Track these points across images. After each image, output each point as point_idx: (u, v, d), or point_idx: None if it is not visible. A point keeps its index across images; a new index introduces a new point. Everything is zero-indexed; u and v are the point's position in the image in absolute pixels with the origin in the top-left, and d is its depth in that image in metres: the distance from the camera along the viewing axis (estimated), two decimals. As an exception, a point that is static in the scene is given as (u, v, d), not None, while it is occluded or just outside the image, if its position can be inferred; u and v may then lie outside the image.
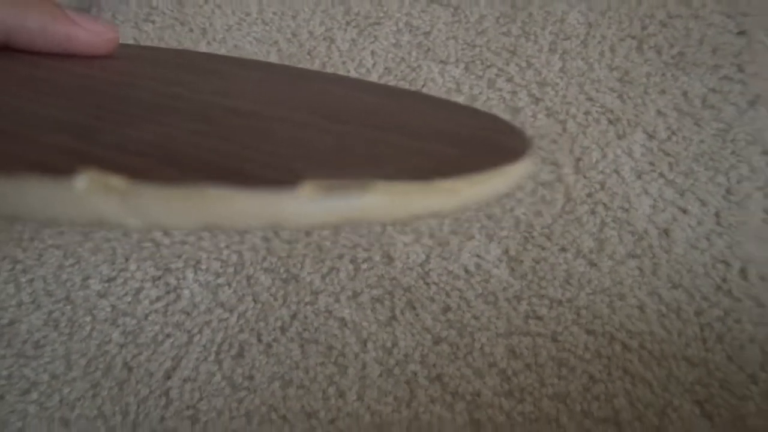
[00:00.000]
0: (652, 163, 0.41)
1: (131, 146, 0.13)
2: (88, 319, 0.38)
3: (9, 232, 0.41)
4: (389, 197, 0.13)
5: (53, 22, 0.21)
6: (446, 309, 0.37)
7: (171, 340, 0.37)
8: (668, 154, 0.41)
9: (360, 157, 0.15)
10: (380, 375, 0.36)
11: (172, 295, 0.38)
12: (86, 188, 0.11)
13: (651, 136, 0.42)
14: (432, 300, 0.37)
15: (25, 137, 0.13)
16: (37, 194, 0.10)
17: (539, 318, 0.36)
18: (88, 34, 0.22)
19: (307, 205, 0.12)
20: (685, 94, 0.43)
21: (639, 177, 0.40)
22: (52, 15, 0.21)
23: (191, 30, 0.49)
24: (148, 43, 0.49)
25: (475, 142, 0.19)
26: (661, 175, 0.40)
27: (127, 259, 0.40)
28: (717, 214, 0.39)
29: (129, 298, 0.38)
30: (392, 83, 0.45)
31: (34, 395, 0.36)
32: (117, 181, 0.11)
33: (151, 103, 0.18)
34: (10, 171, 0.10)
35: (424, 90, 0.45)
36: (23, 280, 0.39)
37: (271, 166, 0.13)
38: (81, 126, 0.15)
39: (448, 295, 0.37)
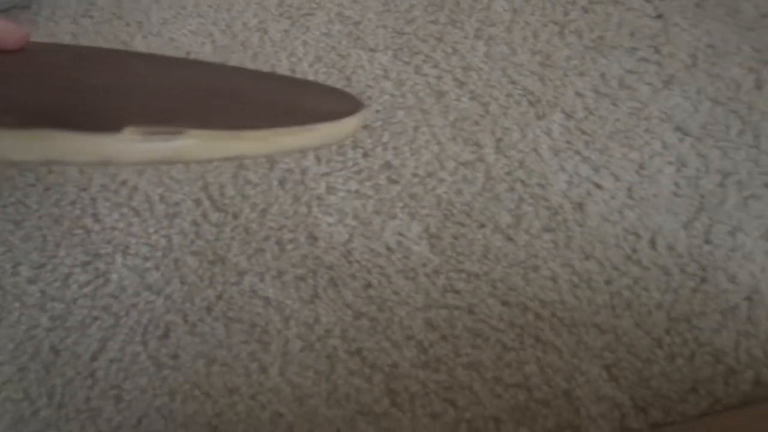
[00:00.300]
0: (569, 142, 0.42)
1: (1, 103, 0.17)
2: (17, 305, 0.38)
3: (-61, 222, 0.41)
4: (200, 141, 0.17)
5: None
6: (367, 285, 0.38)
7: (98, 323, 0.38)
8: (585, 133, 0.42)
9: (183, 113, 0.19)
10: (301, 350, 0.36)
11: (101, 280, 0.39)
12: None
13: (569, 116, 0.43)
14: (354, 277, 0.38)
15: None
16: None
17: (456, 291, 0.38)
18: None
19: (129, 145, 0.15)
20: (603, 75, 0.44)
21: (556, 155, 0.41)
22: None
23: (128, 24, 0.50)
24: (86, 38, 0.49)
25: (295, 105, 0.24)
26: (578, 152, 0.41)
27: (57, 246, 0.40)
28: (629, 189, 0.40)
29: (58, 284, 0.39)
30: (322, 71, 0.46)
31: (-40, 379, 0.36)
32: None
33: (27, 80, 0.21)
34: None
35: (353, 77, 0.46)
36: (-48, 268, 0.40)
37: (103, 117, 0.17)
38: None
39: (369, 272, 0.38)
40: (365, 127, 0.44)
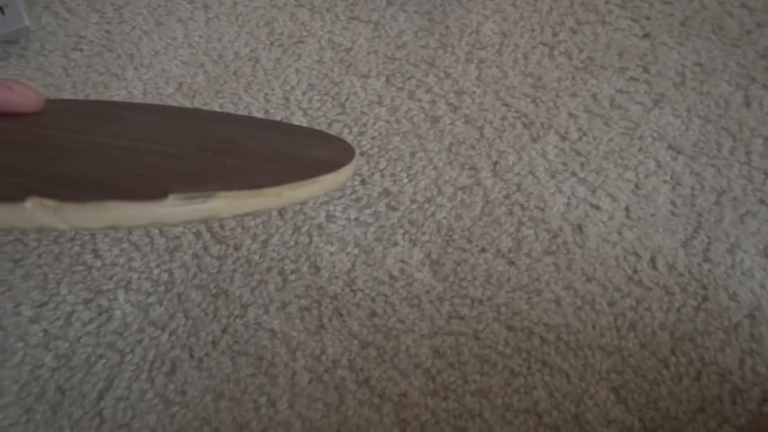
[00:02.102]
0: (564, 163, 0.42)
1: (55, 180, 0.20)
2: (20, 345, 0.38)
3: (-64, 264, 0.41)
4: (228, 201, 0.20)
5: (3, 92, 0.27)
6: (372, 314, 0.38)
7: (103, 361, 0.38)
8: (580, 154, 0.43)
9: (211, 176, 0.22)
10: (310, 382, 0.37)
11: (104, 317, 0.39)
12: (32, 208, 0.17)
13: (563, 138, 0.43)
14: (358, 306, 0.39)
15: None
16: (2, 213, 0.17)
17: (461, 317, 0.38)
18: (20, 98, 0.28)
19: (172, 209, 0.19)
20: (594, 96, 0.45)
21: (553, 177, 0.42)
22: None
23: (119, 56, 0.50)
24: (78, 71, 0.49)
25: (298, 157, 0.28)
26: (574, 174, 0.42)
27: (58, 284, 0.40)
28: (627, 208, 0.41)
29: (61, 322, 0.39)
30: (316, 98, 0.47)
31: (-35, 424, 0.36)
32: (50, 203, 0.17)
33: (66, 148, 0.24)
34: None
35: (347, 104, 0.46)
36: (-48, 311, 0.39)
37: (148, 185, 0.20)
38: (22, 168, 0.21)
39: (373, 300, 0.39)
40: (362, 153, 0.44)
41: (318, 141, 0.32)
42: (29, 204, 0.17)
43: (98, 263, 0.41)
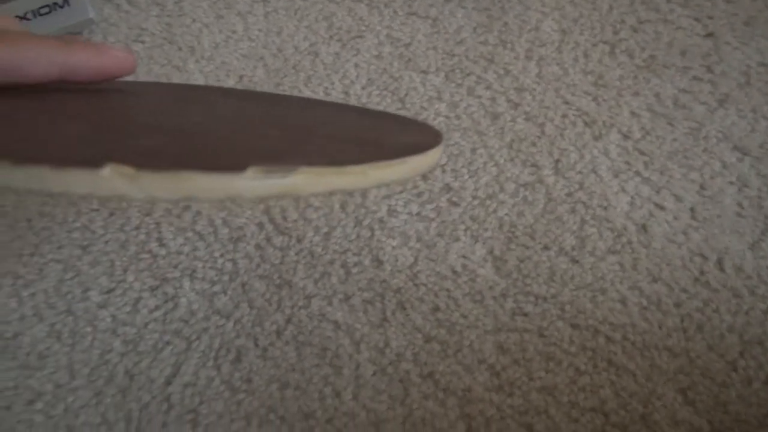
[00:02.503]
0: (628, 162, 0.42)
1: (138, 150, 0.19)
2: (89, 329, 0.39)
3: (9, 248, 0.42)
4: (310, 177, 0.19)
5: (94, 54, 0.27)
6: (435, 309, 0.38)
7: (170, 348, 0.38)
8: (643, 153, 0.42)
9: (294, 152, 0.21)
10: (374, 374, 0.37)
11: (170, 304, 0.40)
12: (109, 175, 0.16)
13: (626, 137, 0.43)
14: (421, 300, 0.39)
15: (71, 146, 0.19)
16: (79, 179, 0.16)
17: (525, 314, 0.38)
18: (116, 58, 0.29)
19: (252, 182, 0.18)
20: (657, 95, 0.45)
21: (616, 176, 0.42)
22: (92, 48, 0.27)
23: (180, 49, 0.50)
24: (139, 63, 0.50)
25: (385, 139, 0.26)
26: (637, 173, 0.42)
27: (125, 271, 0.41)
28: (692, 209, 0.40)
29: (128, 308, 0.40)
30: (375, 93, 0.47)
31: (40, 405, 0.37)
32: (128, 170, 0.16)
33: (149, 125, 0.24)
34: (63, 166, 0.16)
35: (407, 99, 0.46)
36: (25, 294, 0.40)
37: (227, 158, 0.19)
38: (103, 139, 0.21)
39: (436, 295, 0.39)
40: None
41: (404, 125, 0.31)
42: (107, 170, 0.16)
43: (163, 251, 0.41)
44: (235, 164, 0.18)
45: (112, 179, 0.16)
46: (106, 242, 0.42)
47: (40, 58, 0.25)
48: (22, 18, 0.49)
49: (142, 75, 0.49)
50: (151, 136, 0.21)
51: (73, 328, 0.39)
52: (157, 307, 0.40)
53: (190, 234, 0.42)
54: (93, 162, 0.16)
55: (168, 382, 0.37)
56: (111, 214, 0.43)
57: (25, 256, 0.41)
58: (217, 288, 0.40)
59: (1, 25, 0.29)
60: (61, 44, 0.26)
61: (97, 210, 0.43)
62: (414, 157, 0.24)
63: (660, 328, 0.37)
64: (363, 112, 0.34)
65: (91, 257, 0.41)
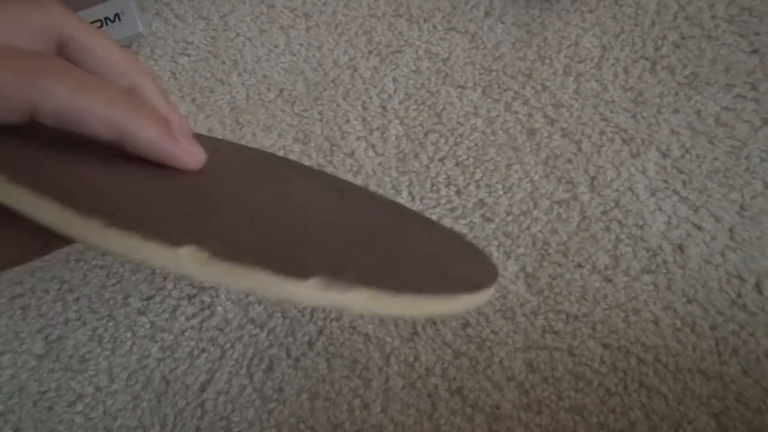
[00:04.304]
0: (666, 181, 0.42)
1: (213, 233, 0.19)
2: (129, 335, 0.40)
3: (56, 253, 0.43)
4: (366, 299, 0.19)
5: (160, 136, 0.23)
6: (466, 324, 0.39)
7: (206, 355, 0.39)
8: (682, 172, 0.42)
9: (355, 265, 0.21)
10: (403, 388, 0.37)
11: (207, 312, 0.41)
12: (185, 256, 0.17)
13: (665, 155, 0.43)
14: (451, 316, 0.39)
15: (158, 219, 0.19)
16: (159, 254, 0.17)
17: (556, 332, 0.38)
18: (185, 154, 0.24)
19: (311, 292, 0.18)
20: (698, 112, 0.44)
21: (653, 194, 0.41)
22: (159, 130, 0.23)
23: (224, 62, 0.52)
24: (184, 75, 0.52)
25: (446, 267, 0.26)
26: (675, 192, 0.41)
27: (164, 279, 0.42)
28: (731, 230, 0.39)
29: (166, 315, 0.41)
30: (413, 108, 0.47)
31: (80, 406, 0.38)
32: (202, 256, 0.17)
33: (228, 200, 0.24)
34: (149, 238, 0.17)
35: (444, 114, 0.47)
36: (69, 298, 0.42)
37: (295, 262, 0.19)
38: (184, 212, 0.21)
39: (467, 311, 0.39)
40: (458, 164, 0.44)
41: (467, 253, 0.31)
42: (185, 251, 0.17)
43: (202, 260, 0.43)
44: (300, 271, 0.18)
45: (187, 261, 0.17)
46: (148, 250, 0.43)
47: (106, 118, 0.22)
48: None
49: (186, 88, 0.51)
50: (229, 218, 0.22)
51: (113, 333, 0.40)
52: (194, 315, 0.41)
53: (227, 244, 0.43)
54: (174, 240, 0.17)
55: (202, 389, 0.38)
56: (153, 223, 0.44)
57: (71, 262, 0.43)
58: (251, 298, 0.41)
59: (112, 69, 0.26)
60: (132, 109, 0.22)
61: (140, 218, 0.45)
62: (468, 296, 0.23)
63: (694, 350, 0.36)
64: (432, 227, 0.34)
65: (132, 265, 0.43)
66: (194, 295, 0.41)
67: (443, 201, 0.43)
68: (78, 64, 0.25)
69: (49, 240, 0.23)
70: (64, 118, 0.21)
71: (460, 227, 0.42)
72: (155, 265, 0.17)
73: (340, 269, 0.20)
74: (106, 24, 0.52)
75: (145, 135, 0.23)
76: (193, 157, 0.25)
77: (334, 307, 0.19)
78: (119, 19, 0.52)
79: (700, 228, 0.40)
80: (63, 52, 0.25)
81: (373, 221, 0.29)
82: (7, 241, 0.22)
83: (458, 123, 0.46)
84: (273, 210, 0.25)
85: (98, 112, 0.21)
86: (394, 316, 0.21)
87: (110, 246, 0.17)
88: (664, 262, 0.39)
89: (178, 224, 0.19)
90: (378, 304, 0.19)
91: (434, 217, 0.42)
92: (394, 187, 0.44)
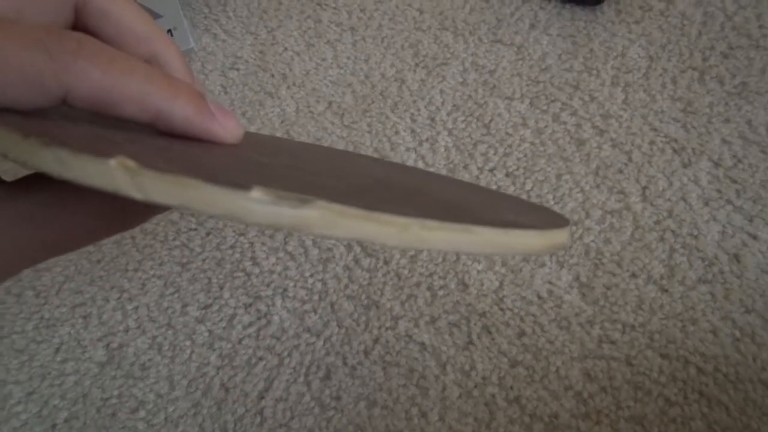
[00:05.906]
0: (719, 191, 0.42)
1: (149, 151, 0.18)
2: (188, 343, 0.41)
3: (115, 263, 0.44)
4: (327, 214, 0.16)
5: (196, 115, 0.22)
6: (521, 333, 0.39)
7: (263, 363, 0.40)
8: (735, 181, 0.42)
9: (329, 189, 0.18)
10: (460, 396, 0.37)
11: (263, 321, 0.41)
12: (114, 167, 0.15)
13: (717, 164, 0.43)
14: (507, 325, 0.39)
15: (108, 144, 0.18)
16: (86, 165, 0.16)
17: (612, 342, 0.38)
18: (222, 131, 0.23)
19: (255, 205, 0.15)
20: (749, 122, 0.44)
21: (706, 204, 0.41)
22: (196, 107, 0.22)
23: (272, 76, 0.53)
24: (234, 89, 0.53)
25: (476, 211, 0.21)
26: (729, 201, 0.41)
27: (221, 288, 0.43)
28: (787, 240, 0.39)
29: (224, 324, 0.42)
30: (461, 119, 0.48)
31: (142, 413, 0.39)
32: (132, 165, 0.15)
33: (225, 151, 0.22)
34: (77, 149, 0.16)
35: (492, 125, 0.47)
36: (129, 307, 0.43)
37: (238, 177, 0.17)
38: (137, 145, 0.19)
39: (522, 320, 0.39)
40: (508, 174, 0.45)
41: (526, 207, 0.25)
42: (113, 162, 0.15)
43: (257, 270, 0.43)
44: (240, 182, 0.16)
45: (115, 172, 0.16)
46: (204, 260, 0.44)
47: (141, 98, 0.21)
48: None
49: (237, 101, 0.52)
50: (210, 157, 0.20)
51: (173, 341, 0.41)
52: (250, 324, 0.41)
53: (281, 254, 0.44)
54: (104, 153, 0.16)
55: (261, 396, 0.39)
56: (208, 234, 0.45)
57: (129, 272, 0.44)
58: (307, 307, 0.42)
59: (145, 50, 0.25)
60: (167, 87, 0.22)
61: (195, 229, 0.46)
62: (487, 228, 0.18)
63: (754, 360, 0.36)
64: (480, 190, 0.28)
65: (190, 274, 0.44)
66: (250, 304, 0.42)
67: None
68: (96, 28, 0.24)
69: (110, 218, 0.22)
70: (98, 102, 0.20)
71: (512, 237, 0.42)
72: (91, 183, 0.16)
73: (301, 188, 0.17)
74: (158, 40, 0.53)
75: (181, 113, 0.22)
76: (230, 133, 0.24)
77: (290, 228, 0.16)
78: (171, 35, 0.53)
79: (755, 237, 0.40)
80: (80, 16, 0.24)
81: (405, 182, 0.24)
82: (71, 221, 0.21)
83: (507, 134, 0.47)
84: (251, 160, 0.21)
85: (133, 94, 0.20)
86: (374, 240, 0.16)
87: (48, 165, 0.16)
88: (721, 272, 0.39)
89: (122, 148, 0.17)
90: (347, 222, 0.16)
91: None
92: (444, 198, 0.45)
